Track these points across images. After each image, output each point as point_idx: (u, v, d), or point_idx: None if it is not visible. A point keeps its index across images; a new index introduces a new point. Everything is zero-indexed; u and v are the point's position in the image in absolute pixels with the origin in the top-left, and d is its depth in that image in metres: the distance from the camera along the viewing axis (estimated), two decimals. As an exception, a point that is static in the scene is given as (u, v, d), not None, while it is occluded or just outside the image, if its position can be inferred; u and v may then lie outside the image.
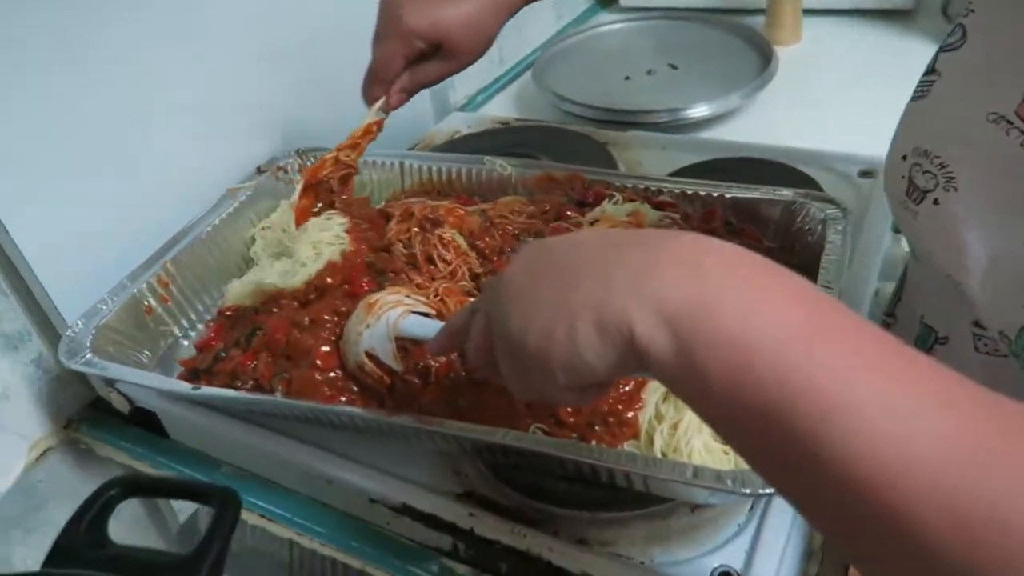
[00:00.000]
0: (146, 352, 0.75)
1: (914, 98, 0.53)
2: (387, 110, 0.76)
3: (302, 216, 0.80)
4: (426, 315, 0.60)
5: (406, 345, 0.60)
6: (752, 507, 0.57)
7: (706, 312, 0.32)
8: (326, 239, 0.73)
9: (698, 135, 1.09)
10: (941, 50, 0.52)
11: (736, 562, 0.53)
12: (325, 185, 0.82)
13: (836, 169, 0.91)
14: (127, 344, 0.73)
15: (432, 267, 0.70)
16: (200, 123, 0.85)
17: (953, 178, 0.48)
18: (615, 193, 0.73)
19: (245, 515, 0.68)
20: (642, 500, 0.56)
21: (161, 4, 0.78)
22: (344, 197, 0.83)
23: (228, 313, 0.74)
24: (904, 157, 0.52)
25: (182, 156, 0.84)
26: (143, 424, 0.77)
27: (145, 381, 0.65)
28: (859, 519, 0.29)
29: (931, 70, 0.53)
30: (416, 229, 0.72)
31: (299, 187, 0.80)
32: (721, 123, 1.12)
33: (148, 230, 0.79)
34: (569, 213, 0.72)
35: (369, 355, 0.60)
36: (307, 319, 0.65)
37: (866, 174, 0.90)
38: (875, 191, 0.87)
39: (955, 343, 0.56)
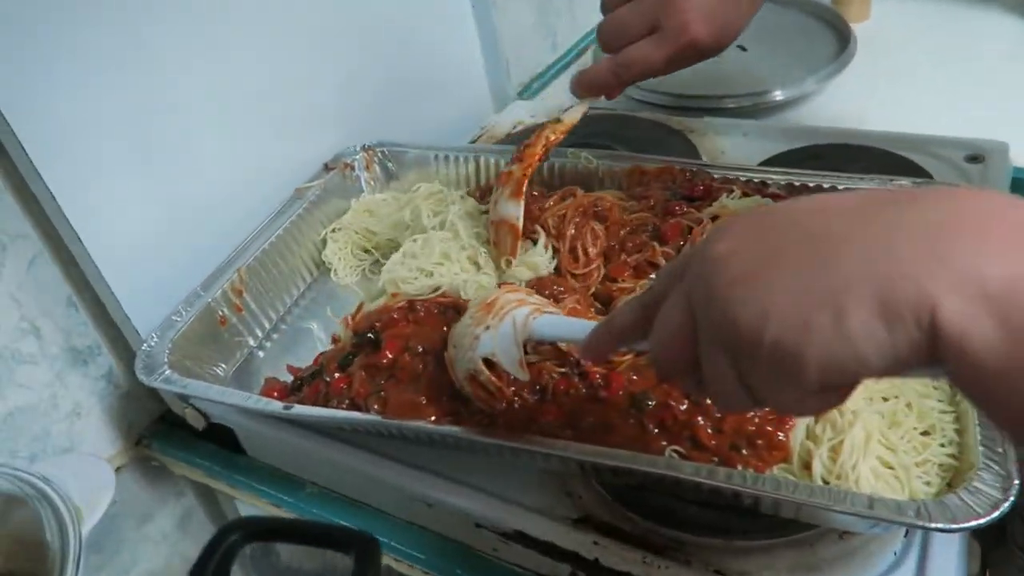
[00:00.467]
0: (222, 365, 0.70)
1: None
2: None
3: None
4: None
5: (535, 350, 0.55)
6: (907, 533, 0.51)
7: None
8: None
9: (776, 120, 1.03)
10: None
11: (899, 595, 0.48)
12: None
13: (941, 155, 0.85)
14: (203, 357, 0.69)
15: (573, 263, 0.65)
16: (264, 121, 0.80)
17: None
18: (732, 187, 0.68)
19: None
20: (784, 526, 0.51)
21: (224, 4, 0.73)
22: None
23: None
24: None
25: (247, 156, 0.79)
26: (217, 440, 0.73)
27: (233, 400, 0.60)
28: None
29: None
30: (577, 216, 0.66)
31: (519, 199, 0.67)
32: (798, 106, 1.06)
33: (217, 234, 0.75)
34: (679, 209, 0.66)
35: (488, 362, 0.53)
36: (420, 347, 0.59)
37: (974, 159, 0.84)
38: (986, 177, 0.81)
39: None
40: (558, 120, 0.69)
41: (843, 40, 1.12)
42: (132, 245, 0.68)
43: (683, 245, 0.63)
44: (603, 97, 0.68)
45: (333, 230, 0.82)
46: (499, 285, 0.64)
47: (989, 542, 0.65)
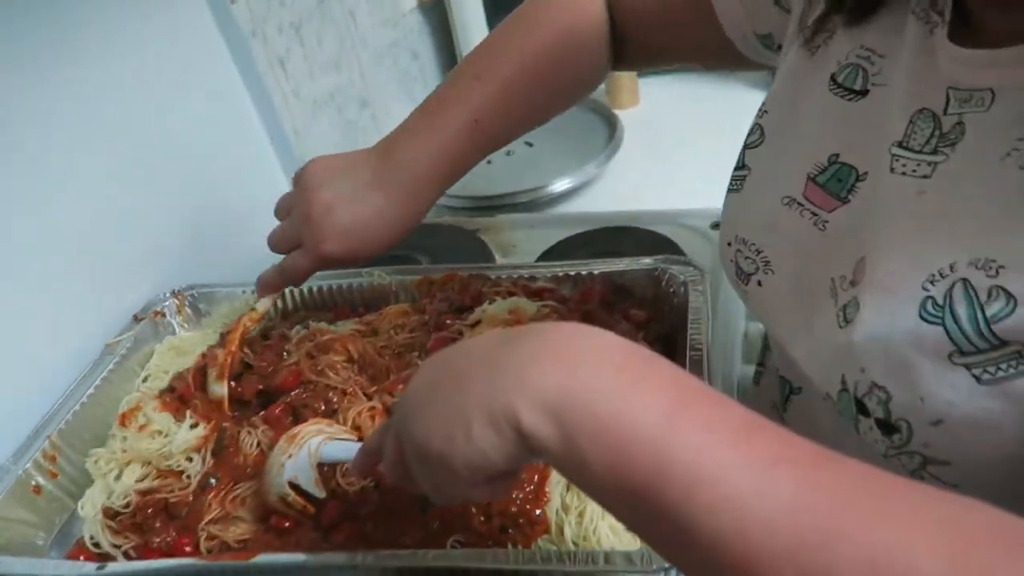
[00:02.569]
0: (40, 534, 0.71)
1: (730, 191, 0.60)
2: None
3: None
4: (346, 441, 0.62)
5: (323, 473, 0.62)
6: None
7: (582, 401, 0.35)
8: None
9: (563, 209, 1.15)
10: (746, 147, 0.59)
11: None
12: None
13: (689, 225, 0.99)
14: (18, 529, 0.70)
15: (326, 383, 0.71)
16: (65, 274, 0.83)
17: (768, 262, 0.55)
18: (493, 295, 0.77)
19: None
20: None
21: (20, 149, 0.77)
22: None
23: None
24: (729, 244, 0.58)
25: (52, 314, 0.81)
26: (48, 609, 0.73)
27: (45, 570, 0.62)
28: None
29: (741, 165, 0.59)
30: (306, 355, 0.73)
31: (224, 389, 0.75)
32: (582, 193, 1.19)
33: (24, 399, 0.76)
34: (448, 321, 0.75)
35: (292, 485, 0.61)
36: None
37: (716, 226, 0.97)
38: (728, 240, 0.95)
39: (806, 393, 0.62)
40: (253, 309, 0.80)
41: (611, 127, 1.27)
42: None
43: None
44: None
45: (144, 379, 0.85)
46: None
47: None
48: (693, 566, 0.34)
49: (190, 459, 0.70)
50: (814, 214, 0.52)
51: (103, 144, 0.88)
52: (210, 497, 0.66)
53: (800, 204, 0.53)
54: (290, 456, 0.62)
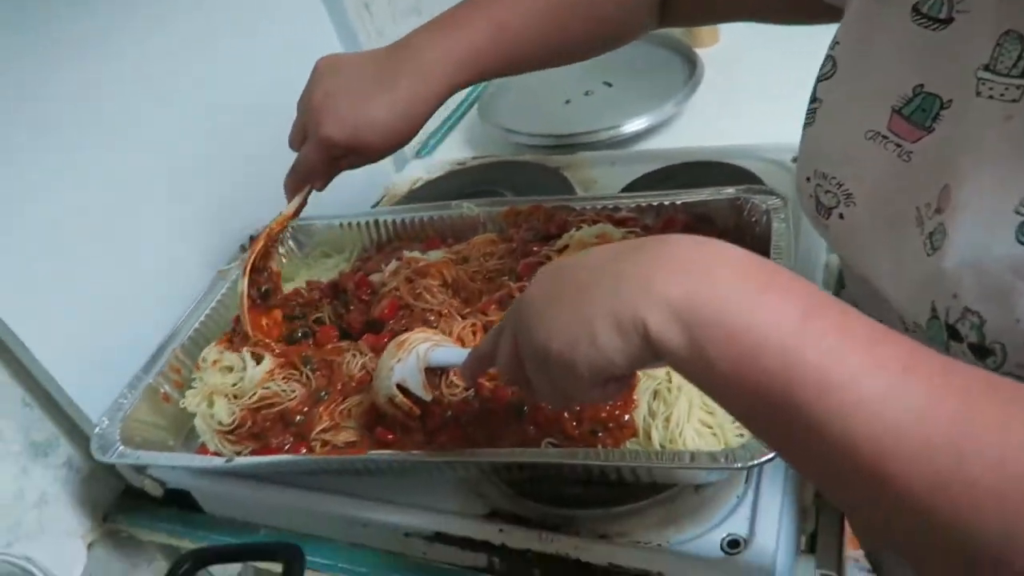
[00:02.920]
0: (171, 437, 0.79)
1: (805, 125, 0.60)
2: (310, 192, 0.81)
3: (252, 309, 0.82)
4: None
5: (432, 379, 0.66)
6: (747, 479, 0.63)
7: (711, 306, 0.36)
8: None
9: (642, 146, 1.17)
10: (818, 80, 0.59)
11: (741, 529, 0.60)
12: (259, 268, 0.85)
13: (770, 159, 0.99)
14: (152, 431, 0.78)
15: (423, 306, 0.76)
16: (181, 209, 0.90)
17: (851, 195, 0.55)
18: (579, 223, 0.80)
19: (291, 570, 0.73)
20: (650, 489, 0.63)
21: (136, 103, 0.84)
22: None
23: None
24: (808, 179, 0.59)
25: (171, 244, 0.89)
26: (177, 504, 0.82)
27: (181, 462, 0.70)
28: (851, 481, 0.34)
29: (813, 98, 0.59)
30: (405, 280, 0.78)
31: (243, 283, 0.81)
32: (661, 131, 1.20)
33: (152, 318, 0.85)
34: (535, 248, 0.78)
35: (400, 387, 0.65)
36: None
37: (796, 159, 0.98)
38: (810, 174, 0.95)
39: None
40: (280, 213, 0.83)
41: (691, 65, 1.27)
42: (73, 341, 0.77)
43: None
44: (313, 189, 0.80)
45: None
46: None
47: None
48: (819, 471, 0.36)
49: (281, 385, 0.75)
50: (898, 145, 0.53)
51: (213, 83, 0.94)
52: (320, 410, 0.73)
53: (884, 137, 0.54)
54: (399, 360, 0.66)
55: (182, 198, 0.91)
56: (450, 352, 0.65)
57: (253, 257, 0.81)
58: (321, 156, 0.73)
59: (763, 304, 0.36)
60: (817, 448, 0.34)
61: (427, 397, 0.64)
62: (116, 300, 0.82)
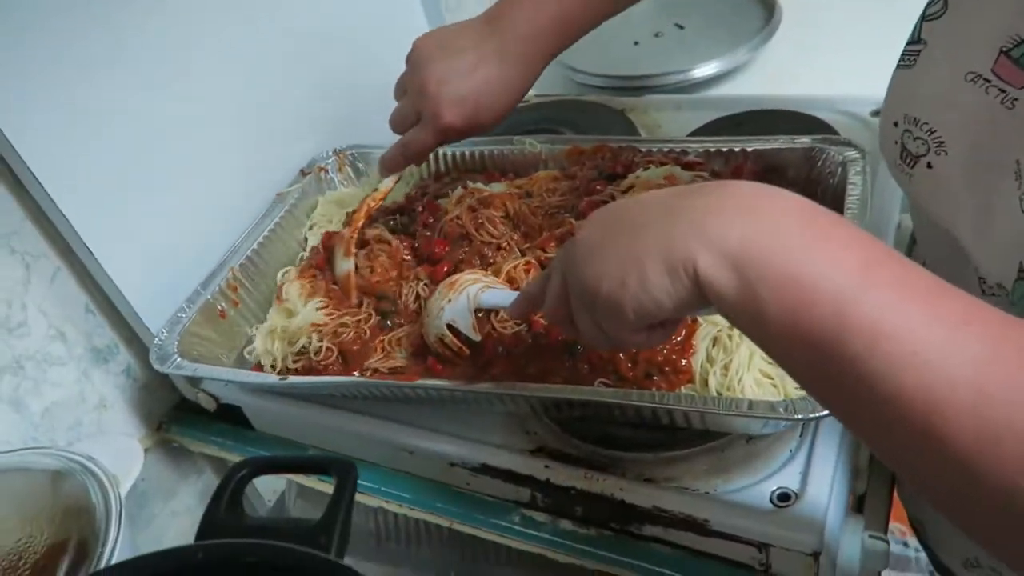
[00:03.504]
0: (225, 352, 0.81)
1: (900, 66, 0.56)
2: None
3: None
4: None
5: (482, 318, 0.67)
6: (802, 433, 0.62)
7: (768, 252, 0.35)
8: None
9: (711, 92, 1.13)
10: (924, 19, 0.55)
11: (792, 483, 0.59)
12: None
13: (848, 111, 0.95)
14: (207, 346, 0.79)
15: (483, 240, 0.76)
16: (247, 134, 0.91)
17: (943, 142, 0.52)
18: (646, 164, 0.78)
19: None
20: (701, 436, 0.62)
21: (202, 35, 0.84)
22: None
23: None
24: (895, 124, 0.55)
25: (233, 166, 0.90)
26: (228, 419, 0.83)
27: (235, 378, 0.71)
28: (899, 433, 0.33)
29: (916, 39, 0.55)
30: (468, 209, 0.77)
31: (350, 257, 0.79)
32: (732, 78, 1.16)
33: (212, 236, 0.86)
34: (599, 187, 0.76)
35: (450, 327, 0.66)
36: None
37: (877, 113, 0.93)
38: (888, 129, 0.91)
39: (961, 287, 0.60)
40: (376, 189, 0.83)
41: (769, 10, 1.21)
42: (138, 253, 0.78)
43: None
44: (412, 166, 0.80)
45: (310, 227, 0.92)
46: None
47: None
48: (867, 424, 0.35)
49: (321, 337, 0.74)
50: (1002, 91, 0.50)
51: (289, 9, 0.93)
52: (376, 341, 0.73)
53: (987, 80, 0.50)
54: (449, 300, 0.66)
55: (248, 121, 0.91)
56: (500, 294, 0.65)
57: (355, 235, 0.80)
58: (436, 141, 0.73)
59: (821, 251, 0.35)
60: (867, 399, 0.33)
61: (476, 338, 0.65)
62: (180, 216, 0.83)
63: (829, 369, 0.34)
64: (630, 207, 0.43)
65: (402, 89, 0.77)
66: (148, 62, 0.78)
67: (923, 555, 1.49)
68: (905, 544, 1.56)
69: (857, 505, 0.63)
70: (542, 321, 0.65)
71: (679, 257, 0.38)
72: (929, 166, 0.54)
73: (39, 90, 0.69)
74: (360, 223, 0.82)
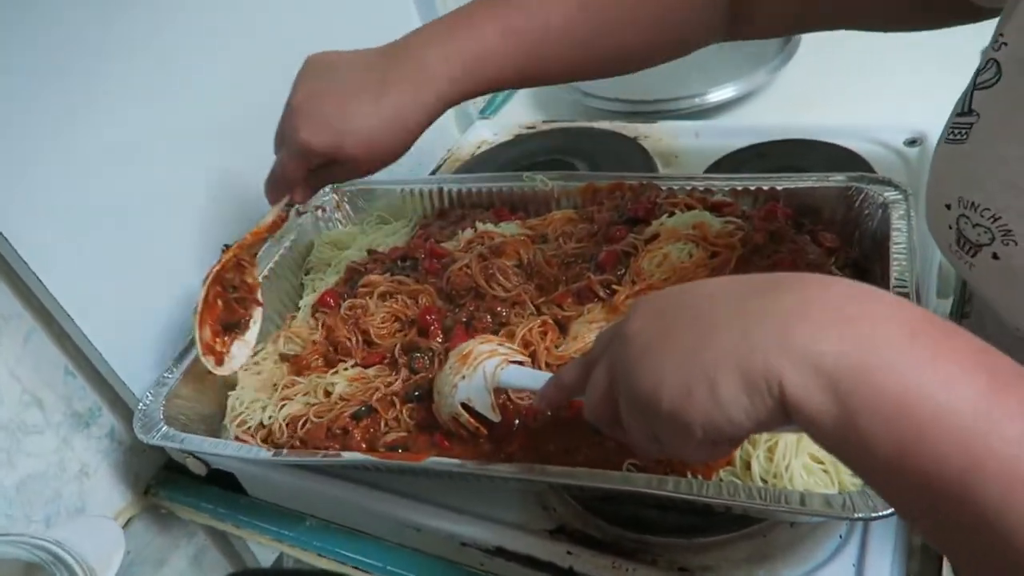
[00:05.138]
0: (215, 412, 0.75)
1: (949, 141, 0.48)
2: (292, 205, 0.72)
3: (209, 315, 0.72)
4: (521, 363, 0.59)
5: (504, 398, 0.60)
6: (852, 517, 0.56)
7: (870, 373, 0.30)
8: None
9: (728, 117, 1.07)
10: (975, 88, 0.47)
11: (845, 574, 0.53)
12: (230, 280, 0.75)
13: (879, 140, 0.89)
14: (196, 407, 0.73)
15: (494, 293, 0.69)
16: (236, 173, 0.84)
17: (1010, 231, 0.44)
18: (670, 207, 0.72)
19: (337, 567, 0.69)
20: (739, 521, 0.56)
21: (181, 51, 0.78)
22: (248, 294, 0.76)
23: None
24: (948, 206, 0.48)
25: (221, 210, 0.83)
26: (220, 482, 0.77)
27: (226, 451, 0.65)
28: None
29: (967, 111, 0.48)
30: (477, 257, 0.71)
31: (202, 292, 0.70)
32: (750, 102, 1.10)
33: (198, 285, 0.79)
34: (619, 232, 0.70)
35: (465, 406, 0.59)
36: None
37: (913, 143, 0.88)
38: (924, 159, 0.85)
39: None
40: (256, 225, 0.73)
41: (788, 30, 1.15)
42: (118, 312, 0.72)
43: (621, 273, 0.67)
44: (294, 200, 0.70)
45: (306, 272, 0.86)
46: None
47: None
48: (978, 559, 0.30)
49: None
50: None
51: (264, 33, 0.87)
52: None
53: None
54: (463, 377, 0.59)
55: (239, 162, 0.84)
56: (524, 374, 0.58)
57: (218, 268, 0.71)
58: (297, 164, 0.64)
59: (937, 371, 0.30)
60: (997, 549, 0.28)
61: (495, 419, 0.58)
62: (163, 272, 0.77)
63: (949, 512, 0.29)
64: (693, 297, 0.37)
65: None
66: (120, 105, 0.72)
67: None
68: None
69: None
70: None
71: (759, 372, 0.32)
72: (995, 256, 0.46)
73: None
74: (228, 256, 0.72)
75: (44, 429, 0.71)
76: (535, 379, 0.54)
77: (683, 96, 1.08)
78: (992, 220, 0.45)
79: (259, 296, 0.76)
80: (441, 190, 0.90)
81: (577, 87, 1.14)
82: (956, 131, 0.48)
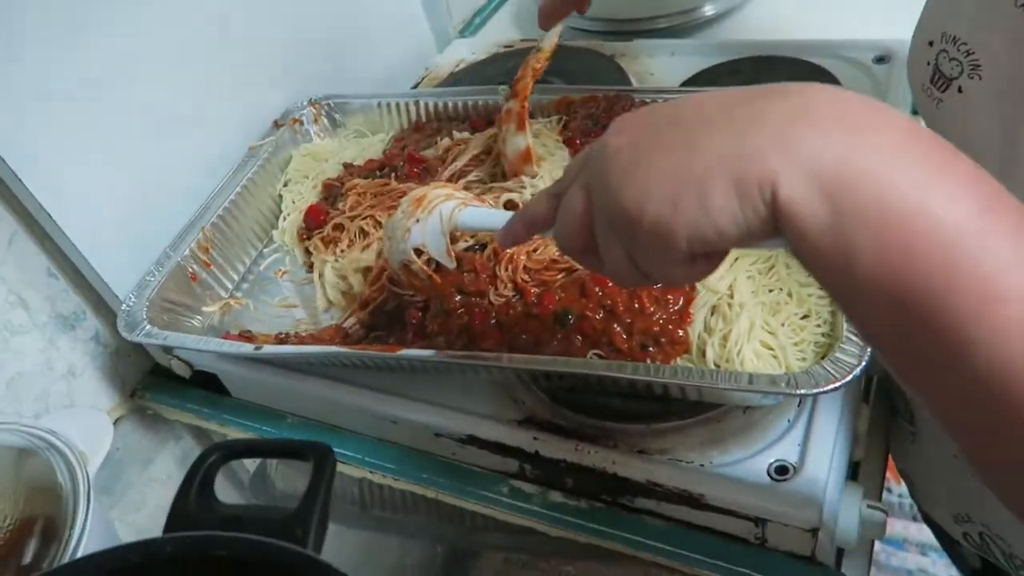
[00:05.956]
0: (197, 317, 0.77)
1: None
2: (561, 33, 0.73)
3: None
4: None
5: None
6: (800, 403, 0.60)
7: (869, 181, 0.29)
8: None
9: (705, 36, 1.07)
10: None
11: (791, 456, 0.57)
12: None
13: (851, 58, 0.90)
14: (179, 311, 0.76)
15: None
16: (214, 83, 0.85)
17: (979, 65, 0.47)
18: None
19: (317, 460, 0.72)
20: (695, 407, 0.59)
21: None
22: None
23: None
24: (931, 43, 0.51)
25: (201, 118, 0.84)
26: (204, 385, 0.80)
27: (208, 347, 0.67)
28: (995, 427, 0.28)
29: None
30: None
31: (517, 106, 0.71)
32: (727, 21, 1.10)
33: (180, 195, 0.81)
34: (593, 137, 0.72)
35: (418, 252, 0.57)
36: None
37: (881, 60, 0.89)
38: (892, 77, 0.87)
39: None
40: (539, 49, 0.73)
41: (767, -51, 1.15)
42: (101, 213, 0.74)
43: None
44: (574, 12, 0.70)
45: (285, 183, 0.87)
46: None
47: (887, 416, 0.73)
48: (948, 399, 0.30)
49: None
50: None
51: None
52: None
53: None
54: (417, 220, 0.57)
55: (218, 67, 0.85)
56: (484, 214, 0.55)
57: (526, 104, 0.72)
58: None
59: (938, 189, 0.28)
60: (960, 371, 0.28)
61: (451, 264, 0.57)
62: (146, 174, 0.78)
63: (918, 329, 0.29)
64: (680, 108, 0.34)
65: None
66: (106, 8, 0.72)
67: (907, 500, 1.50)
68: (888, 490, 1.58)
69: (852, 472, 0.62)
70: (535, 290, 0.61)
71: (754, 175, 0.30)
72: (960, 90, 0.49)
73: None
74: (528, 91, 0.73)
75: (31, 329, 0.73)
76: (496, 218, 0.51)
77: (660, 15, 1.08)
78: (966, 55, 0.48)
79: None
80: (418, 103, 0.91)
81: (555, 5, 1.13)
82: None
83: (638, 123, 0.36)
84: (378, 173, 0.81)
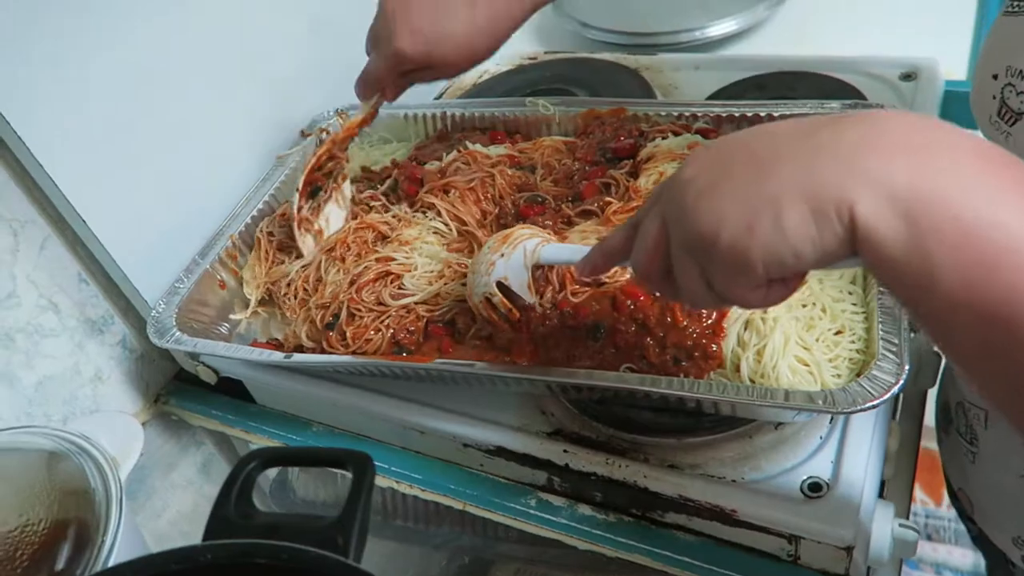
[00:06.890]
0: (224, 324, 0.78)
1: (1007, 13, 0.51)
2: (380, 103, 0.75)
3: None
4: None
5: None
6: (832, 420, 0.59)
7: (944, 199, 0.29)
8: None
9: (729, 51, 1.08)
10: None
11: (824, 472, 0.56)
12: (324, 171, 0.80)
13: (877, 74, 0.91)
14: (207, 318, 0.76)
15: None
16: (243, 90, 0.85)
17: None
18: (657, 133, 0.74)
19: (343, 468, 0.72)
20: (727, 422, 0.59)
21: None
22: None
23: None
24: (995, 76, 0.50)
25: (231, 129, 0.85)
26: (229, 391, 0.80)
27: (238, 354, 0.68)
28: None
29: None
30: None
31: (301, 181, 0.77)
32: (750, 36, 1.11)
33: (210, 201, 0.82)
34: (599, 173, 0.73)
35: (500, 285, 0.59)
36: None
37: (907, 76, 0.89)
38: (918, 94, 0.87)
39: None
40: (348, 120, 0.78)
41: (790, -35, 1.16)
42: (132, 219, 0.74)
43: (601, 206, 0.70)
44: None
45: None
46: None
47: (939, 434, 0.73)
48: None
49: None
50: None
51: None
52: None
53: None
54: (502, 255, 0.60)
55: (246, 79, 0.85)
56: (564, 249, 0.59)
57: (313, 162, 0.77)
58: (390, 68, 0.68)
59: (1012, 203, 0.29)
60: None
61: (531, 299, 0.59)
62: (176, 182, 0.79)
63: (1009, 348, 0.29)
64: (751, 138, 0.36)
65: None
66: (140, 15, 0.73)
67: (922, 519, 1.49)
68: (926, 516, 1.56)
69: (880, 490, 0.61)
70: (572, 300, 0.61)
71: (830, 197, 0.31)
72: None
73: (21, 45, 0.64)
74: (323, 150, 0.77)
75: (60, 333, 0.74)
76: (575, 252, 0.54)
77: (684, 29, 1.09)
78: None
79: (345, 189, 0.82)
80: (444, 114, 0.91)
81: (579, 19, 1.15)
82: (1014, 3, 0.51)
83: (710, 154, 0.37)
84: (378, 186, 0.82)
